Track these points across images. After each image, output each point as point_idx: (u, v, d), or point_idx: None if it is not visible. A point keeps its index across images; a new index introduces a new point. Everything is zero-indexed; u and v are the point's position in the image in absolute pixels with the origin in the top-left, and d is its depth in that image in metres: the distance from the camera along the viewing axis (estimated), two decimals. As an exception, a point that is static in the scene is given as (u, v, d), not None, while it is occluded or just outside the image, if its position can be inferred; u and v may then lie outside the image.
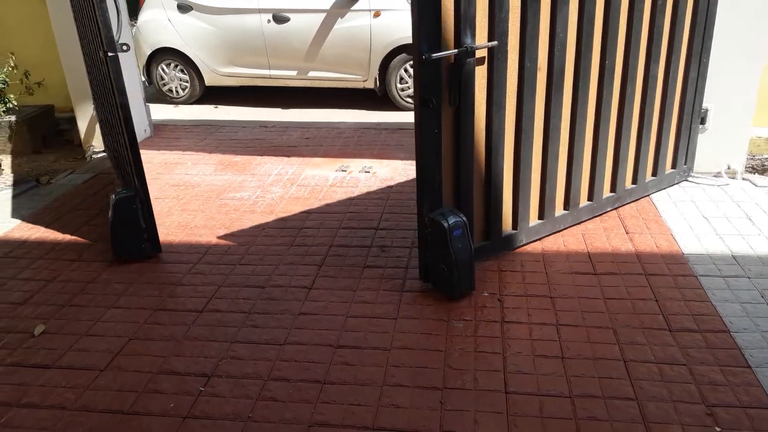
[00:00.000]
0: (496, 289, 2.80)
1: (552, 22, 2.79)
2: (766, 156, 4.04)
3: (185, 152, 4.89)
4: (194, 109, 6.52)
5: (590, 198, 3.34)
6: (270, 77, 6.32)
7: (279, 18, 5.98)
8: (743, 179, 3.80)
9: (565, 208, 3.27)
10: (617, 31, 3.05)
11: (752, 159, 4.03)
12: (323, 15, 5.89)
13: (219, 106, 6.58)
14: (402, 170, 4.32)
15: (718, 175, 3.81)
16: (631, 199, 3.53)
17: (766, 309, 2.56)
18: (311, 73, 6.18)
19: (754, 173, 3.91)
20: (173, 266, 3.16)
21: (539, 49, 2.80)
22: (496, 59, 2.67)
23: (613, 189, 3.42)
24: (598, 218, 3.39)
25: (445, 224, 2.64)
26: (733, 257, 2.96)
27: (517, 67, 2.78)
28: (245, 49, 6.22)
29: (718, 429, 1.98)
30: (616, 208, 3.47)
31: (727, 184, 3.74)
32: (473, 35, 2.53)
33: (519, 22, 2.71)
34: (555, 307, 2.64)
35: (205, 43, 6.28)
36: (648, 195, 3.61)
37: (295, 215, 3.68)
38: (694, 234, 3.19)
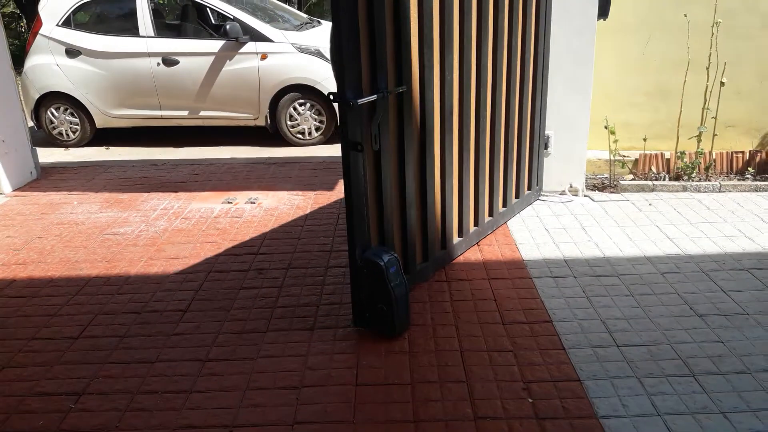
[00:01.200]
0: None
1: (441, 67, 3.03)
2: (605, 175, 4.61)
3: (72, 192, 4.94)
4: (85, 151, 6.54)
5: (476, 224, 3.61)
6: (162, 117, 6.47)
7: (169, 61, 6.18)
8: (584, 195, 4.33)
9: (459, 236, 3.49)
10: (487, 73, 3.39)
11: (594, 178, 4.59)
12: (212, 58, 6.14)
13: (111, 147, 6.64)
14: (287, 200, 4.58)
15: (563, 193, 4.32)
16: (504, 220, 3.92)
17: (584, 302, 2.99)
18: (202, 113, 6.38)
19: (595, 190, 4.45)
20: (51, 299, 3.25)
21: (435, 91, 3.02)
22: (405, 102, 2.85)
23: (491, 213, 3.75)
24: (456, 234, 3.78)
25: (381, 263, 2.65)
26: (564, 261, 3.40)
27: (419, 109, 2.98)
28: (136, 92, 6.35)
29: (530, 400, 2.32)
30: (494, 230, 3.82)
31: (571, 201, 4.25)
32: (386, 81, 2.70)
33: (418, 68, 2.90)
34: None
35: (94, 87, 6.36)
36: (515, 215, 4.01)
37: (176, 245, 3.84)
38: (535, 243, 3.63)
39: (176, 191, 4.88)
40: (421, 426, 2.21)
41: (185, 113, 6.41)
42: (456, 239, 3.47)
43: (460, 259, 3.48)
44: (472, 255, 3.52)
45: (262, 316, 3.01)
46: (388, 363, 2.58)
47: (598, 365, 2.50)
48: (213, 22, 7.13)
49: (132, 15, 6.28)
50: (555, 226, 3.86)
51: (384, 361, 2.60)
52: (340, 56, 2.47)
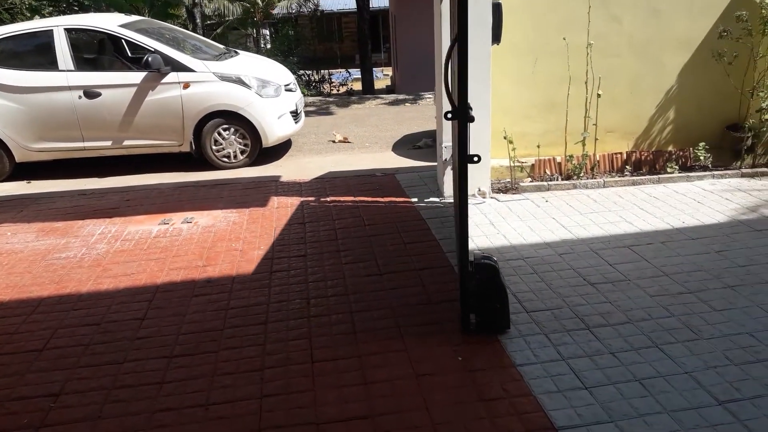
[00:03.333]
0: (304, 296, 3.46)
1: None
2: (507, 179, 5.23)
3: (2, 225, 4.99)
4: (5, 186, 6.49)
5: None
6: (85, 149, 6.56)
7: (90, 93, 6.31)
8: (491, 197, 4.91)
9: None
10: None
11: (498, 183, 5.19)
12: (135, 89, 6.33)
13: (32, 181, 6.63)
14: (222, 218, 4.87)
15: (473, 196, 4.89)
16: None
17: (498, 281, 3.51)
18: (126, 142, 6.53)
19: (500, 193, 5.04)
20: (7, 320, 3.40)
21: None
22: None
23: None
24: (383, 236, 4.23)
25: (495, 264, 2.91)
26: (479, 250, 3.93)
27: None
28: (57, 125, 6.41)
29: (460, 358, 2.78)
30: (398, 227, 4.33)
31: (481, 202, 4.82)
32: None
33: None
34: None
35: (13, 121, 6.36)
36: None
37: (121, 264, 4.05)
38: (452, 238, 4.14)
39: (111, 216, 5.05)
40: (373, 387, 2.61)
41: (109, 143, 6.54)
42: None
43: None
44: (400, 252, 3.98)
45: (218, 317, 3.31)
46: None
47: (513, 328, 3.00)
48: (129, 54, 7.31)
49: (49, 50, 6.37)
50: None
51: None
52: (464, 83, 2.65)
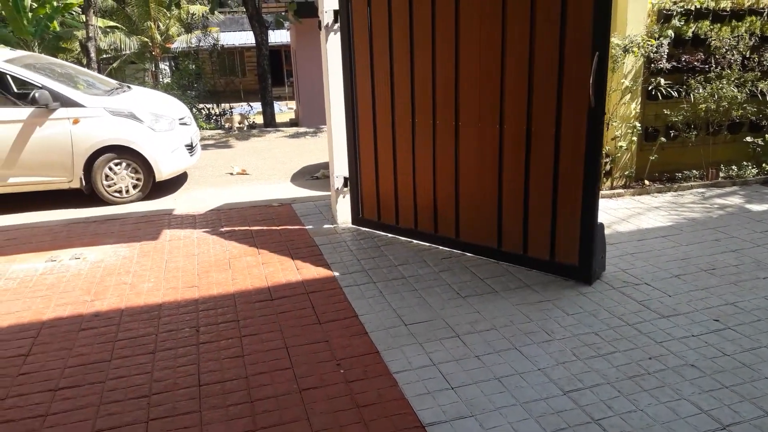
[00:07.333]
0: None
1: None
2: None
3: None
4: None
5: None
6: (-36, 188, 6.29)
7: (-31, 130, 6.09)
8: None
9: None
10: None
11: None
12: (20, 125, 6.18)
13: None
14: (112, 252, 4.84)
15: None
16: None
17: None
18: (12, 179, 6.33)
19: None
20: None
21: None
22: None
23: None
24: (275, 263, 4.38)
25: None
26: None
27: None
28: (-66, 162, 6.13)
29: (342, 371, 2.99)
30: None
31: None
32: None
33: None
34: (239, 326, 3.49)
35: None
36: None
37: (4, 303, 3.95)
38: (342, 262, 4.37)
39: (-7, 256, 4.90)
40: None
41: (-8, 181, 6.31)
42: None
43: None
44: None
45: (105, 349, 3.34)
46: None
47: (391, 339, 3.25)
48: (15, 90, 7.12)
49: (-76, 85, 6.13)
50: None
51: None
52: (602, 88, 3.54)
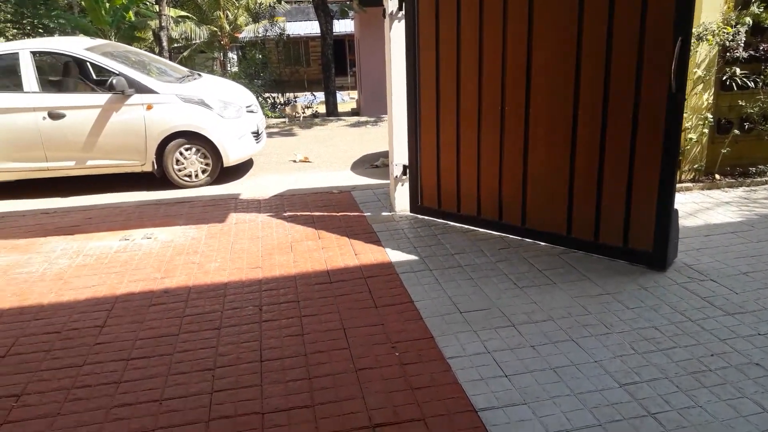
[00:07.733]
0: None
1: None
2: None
3: (-36, 242, 5.11)
4: (-34, 205, 6.58)
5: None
6: (48, 169, 6.69)
7: (54, 115, 6.48)
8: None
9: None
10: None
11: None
12: (99, 110, 6.52)
13: (-6, 200, 6.73)
14: (182, 233, 5.07)
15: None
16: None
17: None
18: (90, 162, 6.69)
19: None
20: (-30, 329, 3.56)
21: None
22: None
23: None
24: (335, 248, 4.49)
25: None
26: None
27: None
28: (19, 146, 6.54)
29: (397, 354, 3.05)
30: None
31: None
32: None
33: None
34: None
35: (-24, 142, 6.49)
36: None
37: (82, 278, 4.23)
38: (400, 250, 4.43)
39: (72, 233, 5.21)
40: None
41: (72, 164, 6.69)
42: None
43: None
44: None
45: (174, 324, 3.52)
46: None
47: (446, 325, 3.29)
48: (94, 77, 7.51)
49: (14, 72, 6.54)
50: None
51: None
52: (683, 72, 3.51)
